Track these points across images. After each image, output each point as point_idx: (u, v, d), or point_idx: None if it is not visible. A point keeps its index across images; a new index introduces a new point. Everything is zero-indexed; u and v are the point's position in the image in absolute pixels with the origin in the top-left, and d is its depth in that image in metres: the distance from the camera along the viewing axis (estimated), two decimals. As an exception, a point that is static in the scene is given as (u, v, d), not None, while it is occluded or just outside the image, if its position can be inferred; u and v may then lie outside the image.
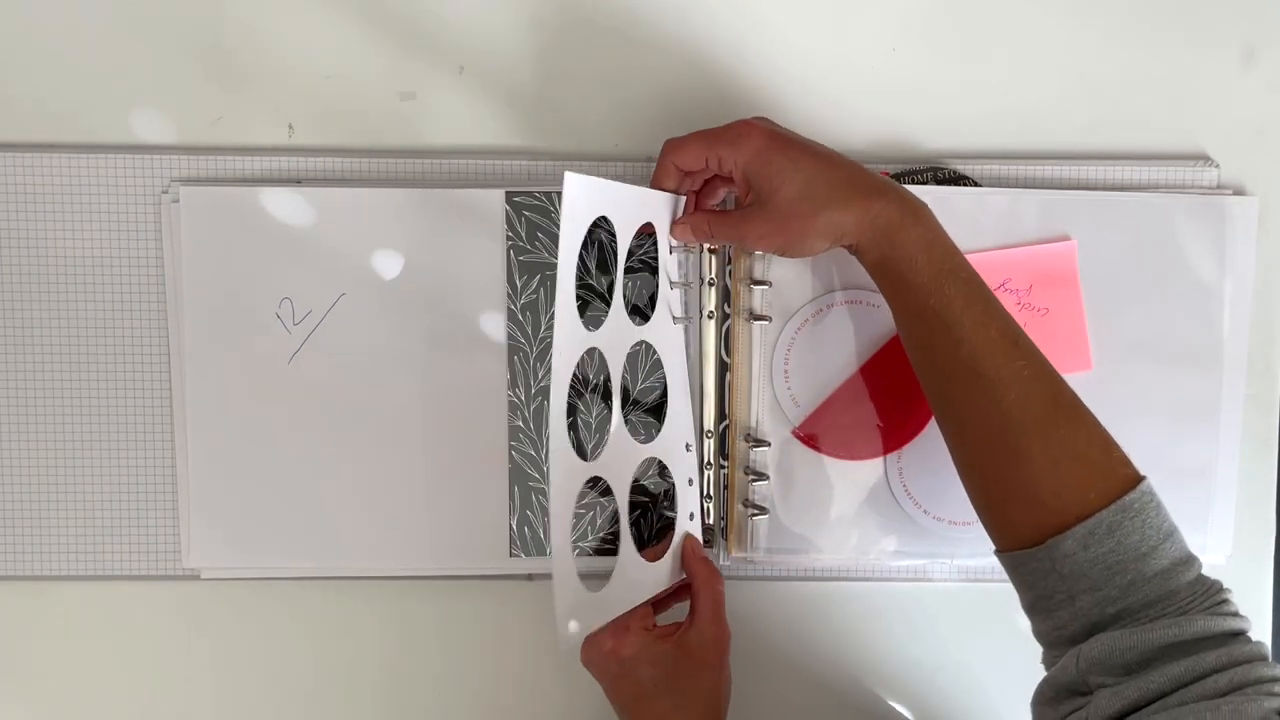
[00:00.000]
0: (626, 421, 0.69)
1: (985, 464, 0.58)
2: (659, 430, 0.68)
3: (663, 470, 0.68)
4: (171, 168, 0.70)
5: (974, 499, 0.60)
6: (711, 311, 0.70)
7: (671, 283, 0.69)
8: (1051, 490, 0.55)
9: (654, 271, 0.69)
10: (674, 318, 0.69)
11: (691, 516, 0.69)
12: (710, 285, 0.70)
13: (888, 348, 0.70)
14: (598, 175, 0.70)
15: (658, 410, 0.69)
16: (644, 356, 0.69)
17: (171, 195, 0.69)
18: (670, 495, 0.69)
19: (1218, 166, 0.72)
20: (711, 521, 0.71)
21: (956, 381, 0.59)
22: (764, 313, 0.70)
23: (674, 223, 0.66)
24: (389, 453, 0.70)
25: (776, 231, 0.62)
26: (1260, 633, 0.74)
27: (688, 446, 0.69)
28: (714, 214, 0.66)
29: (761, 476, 0.70)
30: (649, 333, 0.67)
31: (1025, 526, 0.56)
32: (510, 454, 0.70)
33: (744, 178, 0.62)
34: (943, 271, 0.59)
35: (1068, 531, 0.54)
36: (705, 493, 0.71)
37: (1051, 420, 0.56)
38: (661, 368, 0.68)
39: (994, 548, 0.60)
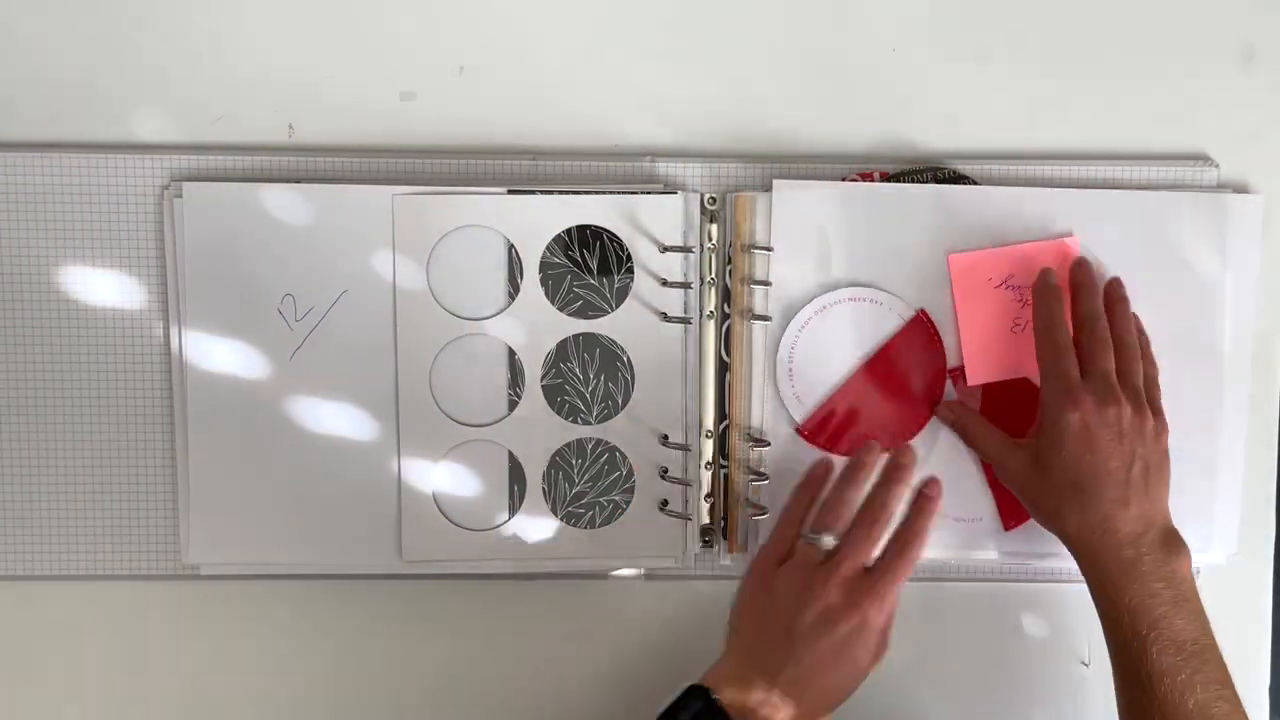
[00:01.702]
0: (554, 401, 0.70)
1: None
2: (610, 416, 0.70)
3: (614, 452, 0.70)
4: (172, 167, 0.70)
5: None
6: (711, 311, 0.70)
7: (668, 282, 0.69)
8: None
9: (621, 270, 0.70)
10: (668, 317, 0.69)
11: (664, 505, 0.70)
12: (710, 285, 0.70)
13: (891, 344, 0.70)
14: (596, 174, 0.71)
15: (607, 397, 0.70)
16: (583, 346, 0.70)
17: (174, 191, 0.69)
18: (622, 481, 0.70)
19: (1217, 166, 0.71)
20: (711, 521, 0.71)
21: None
22: (765, 312, 0.70)
23: (941, 404, 0.70)
24: (390, 449, 0.70)
25: (1021, 488, 0.67)
26: (1261, 632, 0.74)
27: (665, 439, 0.70)
28: (977, 423, 0.69)
29: (762, 476, 0.70)
30: (603, 325, 0.69)
31: None
32: (509, 454, 0.70)
33: (1043, 425, 0.66)
34: (1150, 637, 0.61)
35: None
36: (705, 492, 0.71)
37: None
38: (620, 359, 0.70)
39: None
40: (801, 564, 0.62)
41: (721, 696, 0.59)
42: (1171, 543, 0.63)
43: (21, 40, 0.70)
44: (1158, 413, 0.66)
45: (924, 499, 0.64)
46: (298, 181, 0.69)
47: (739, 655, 0.62)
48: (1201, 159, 0.72)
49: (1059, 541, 0.69)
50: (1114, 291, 0.68)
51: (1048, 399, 0.65)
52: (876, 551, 0.63)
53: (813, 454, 0.71)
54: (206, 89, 0.70)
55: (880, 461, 0.65)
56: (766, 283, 0.70)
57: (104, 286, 0.70)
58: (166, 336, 0.70)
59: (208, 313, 0.69)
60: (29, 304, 0.70)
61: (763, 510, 0.70)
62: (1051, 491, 0.64)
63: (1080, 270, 0.68)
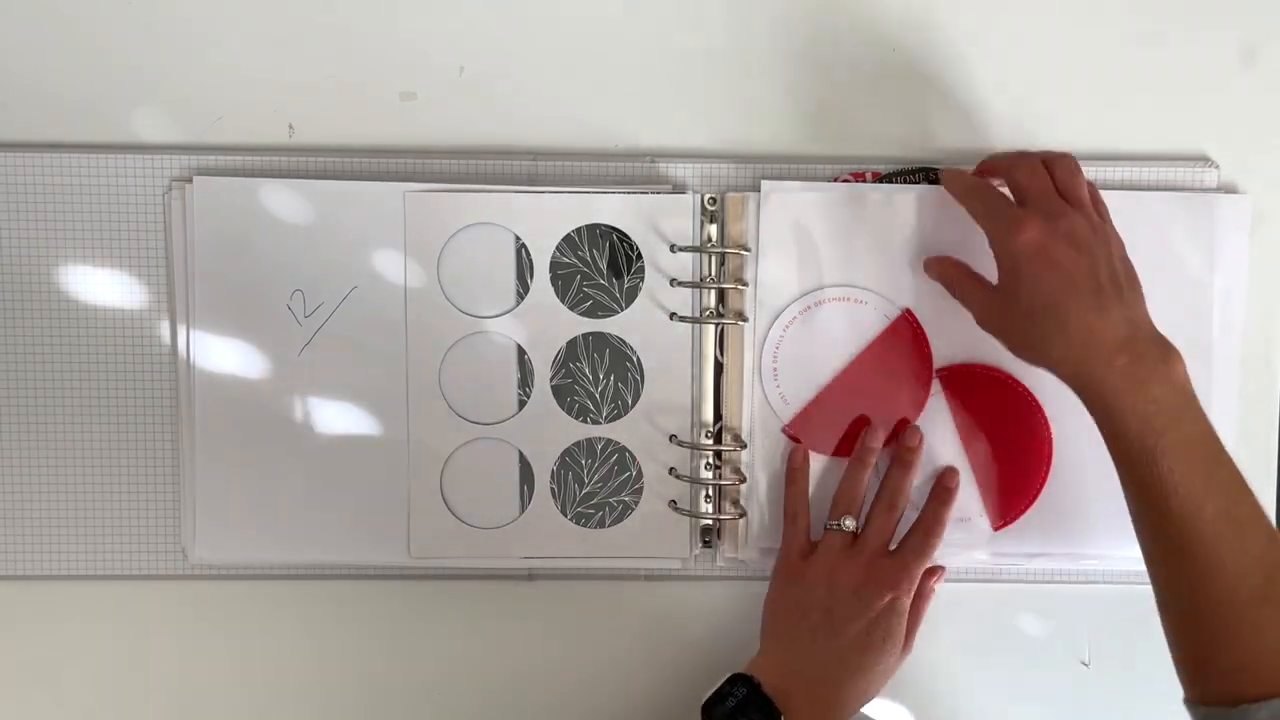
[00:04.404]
0: (564, 401, 0.71)
1: (1189, 626, 0.58)
2: (620, 416, 0.70)
3: (624, 453, 0.71)
4: (172, 167, 0.69)
5: (1171, 646, 0.59)
6: (710, 312, 0.70)
7: (677, 282, 0.69)
8: (1254, 663, 0.55)
9: (631, 269, 0.70)
10: (675, 316, 0.70)
11: (673, 504, 0.71)
12: (709, 286, 0.70)
13: (877, 342, 0.71)
14: (595, 175, 0.71)
15: (616, 397, 0.70)
16: (592, 345, 0.70)
17: (179, 189, 0.69)
18: (632, 481, 0.71)
19: (1217, 167, 0.72)
20: (710, 522, 0.72)
21: (1165, 551, 0.58)
22: (750, 313, 0.70)
23: (928, 258, 0.68)
24: (399, 446, 0.70)
25: (998, 329, 0.62)
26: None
27: (672, 438, 0.70)
28: (961, 271, 0.65)
29: (740, 477, 0.71)
30: (612, 325, 0.69)
31: (1221, 688, 0.56)
32: (519, 453, 0.71)
33: (999, 262, 0.61)
34: (1159, 446, 0.56)
35: (1264, 703, 0.54)
36: (706, 494, 0.71)
37: (1262, 603, 0.55)
38: (629, 359, 0.70)
39: (1183, 695, 0.58)
40: (829, 549, 0.66)
41: (764, 684, 0.62)
42: (1161, 345, 0.59)
43: (22, 41, 0.69)
44: (1107, 223, 0.62)
45: (943, 489, 0.68)
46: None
47: (778, 644, 0.65)
48: (1201, 159, 0.72)
49: (1048, 540, 0.69)
50: (1046, 154, 0.64)
51: (994, 237, 0.61)
52: (897, 534, 0.67)
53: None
54: (206, 89, 0.70)
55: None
56: (748, 283, 0.70)
57: (107, 285, 0.70)
58: (173, 334, 0.70)
59: (216, 308, 0.69)
60: (33, 304, 0.70)
61: (743, 512, 0.71)
62: (1027, 320, 0.60)
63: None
